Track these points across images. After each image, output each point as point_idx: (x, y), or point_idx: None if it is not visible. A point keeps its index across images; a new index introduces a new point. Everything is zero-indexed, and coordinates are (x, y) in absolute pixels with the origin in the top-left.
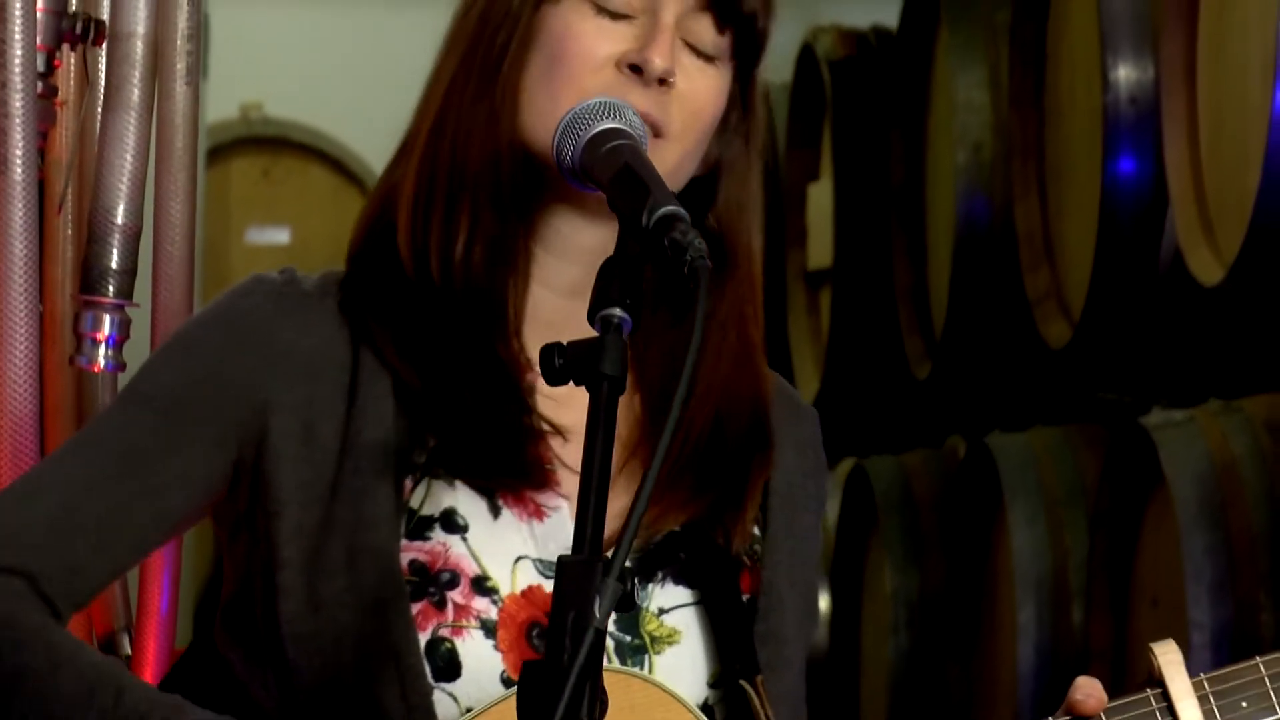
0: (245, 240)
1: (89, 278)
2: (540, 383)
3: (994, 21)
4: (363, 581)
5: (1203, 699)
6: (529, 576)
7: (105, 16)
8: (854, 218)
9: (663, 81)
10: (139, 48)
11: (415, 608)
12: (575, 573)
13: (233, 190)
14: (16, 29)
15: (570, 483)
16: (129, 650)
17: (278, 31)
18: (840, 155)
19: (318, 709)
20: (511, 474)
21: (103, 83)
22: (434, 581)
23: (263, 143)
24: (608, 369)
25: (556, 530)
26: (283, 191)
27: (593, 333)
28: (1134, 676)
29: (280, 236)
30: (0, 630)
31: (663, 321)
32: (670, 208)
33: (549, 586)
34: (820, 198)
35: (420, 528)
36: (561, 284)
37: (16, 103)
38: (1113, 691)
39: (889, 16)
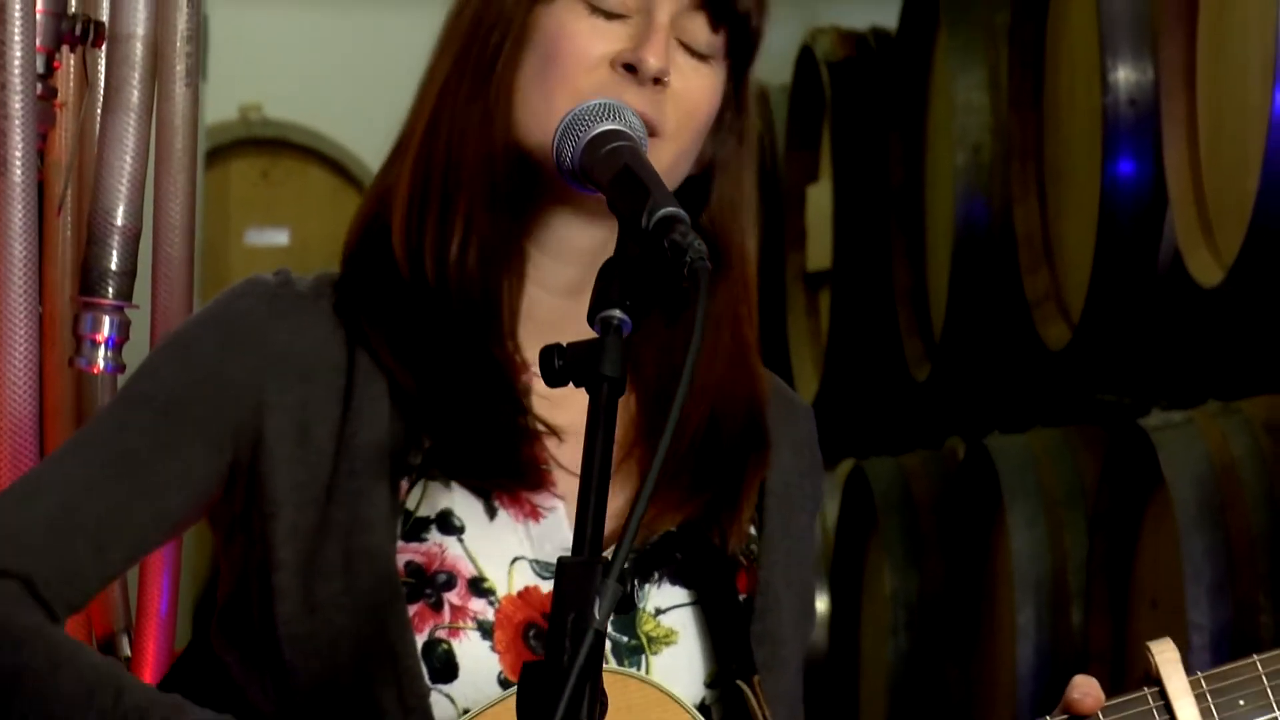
0: (244, 242)
1: (88, 279)
2: (536, 383)
3: (993, 23)
4: (359, 583)
5: (1200, 697)
6: (525, 577)
7: (105, 18)
8: (853, 219)
9: (657, 81)
10: (138, 49)
11: (412, 609)
12: (575, 574)
13: (232, 192)
14: (16, 30)
15: (566, 483)
16: (129, 651)
17: (277, 33)
18: (839, 157)
19: (315, 711)
20: (507, 475)
21: (102, 84)
22: (430, 583)
23: (262, 144)
24: (608, 370)
25: (553, 531)
26: (282, 193)
27: (590, 333)
28: (1133, 677)
29: (279, 238)
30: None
31: (657, 320)
32: (670, 209)
33: (546, 587)
34: (819, 199)
35: (416, 529)
36: (557, 284)
37: (16, 104)
38: (1111, 692)
39: (888, 18)
